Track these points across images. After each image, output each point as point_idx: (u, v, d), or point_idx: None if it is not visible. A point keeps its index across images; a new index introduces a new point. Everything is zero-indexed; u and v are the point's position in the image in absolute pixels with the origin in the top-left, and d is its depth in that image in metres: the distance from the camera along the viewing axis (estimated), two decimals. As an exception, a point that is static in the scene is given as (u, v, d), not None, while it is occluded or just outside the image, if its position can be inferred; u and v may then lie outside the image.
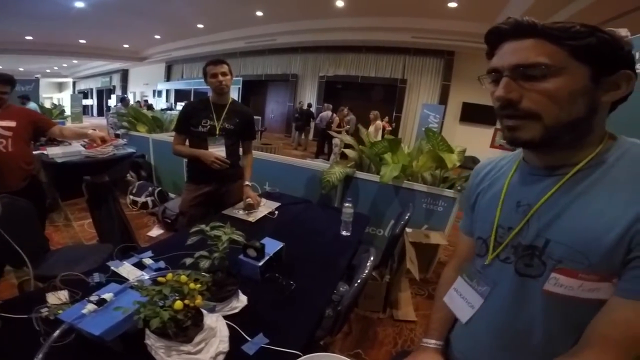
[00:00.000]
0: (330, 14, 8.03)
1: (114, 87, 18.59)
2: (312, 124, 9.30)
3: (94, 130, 1.93)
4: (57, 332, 0.74)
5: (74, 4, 7.71)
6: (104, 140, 1.88)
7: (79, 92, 19.95)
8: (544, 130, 0.52)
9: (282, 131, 11.86)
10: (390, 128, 8.08)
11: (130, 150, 2.28)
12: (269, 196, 2.14)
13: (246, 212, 1.76)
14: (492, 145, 9.02)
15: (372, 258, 1.22)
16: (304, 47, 10.43)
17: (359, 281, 1.14)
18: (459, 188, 2.42)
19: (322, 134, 7.86)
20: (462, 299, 0.73)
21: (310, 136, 9.57)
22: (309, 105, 9.62)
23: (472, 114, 8.97)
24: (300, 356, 0.81)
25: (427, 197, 2.47)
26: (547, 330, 0.58)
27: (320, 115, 8.34)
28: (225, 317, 0.93)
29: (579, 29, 0.48)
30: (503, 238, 0.64)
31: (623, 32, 0.56)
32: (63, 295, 0.93)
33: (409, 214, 1.86)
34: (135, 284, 0.73)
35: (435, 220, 2.51)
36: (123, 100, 8.73)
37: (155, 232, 3.05)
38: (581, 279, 0.52)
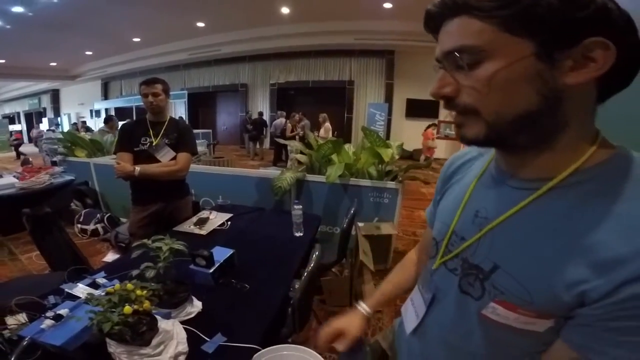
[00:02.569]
0: (275, 21, 8.14)
1: (44, 109, 17.03)
2: (267, 132, 9.30)
3: None
4: (20, 346, 0.79)
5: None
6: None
7: (4, 117, 17.92)
8: (487, 127, 0.43)
9: (236, 142, 11.74)
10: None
11: (69, 177, 2.21)
12: (220, 209, 2.19)
13: (198, 226, 1.81)
14: (438, 137, 9.72)
15: (317, 253, 1.36)
16: (252, 55, 10.44)
17: (305, 275, 1.27)
18: (399, 179, 2.65)
19: (277, 142, 7.95)
20: (413, 308, 0.67)
21: (266, 145, 9.58)
22: (260, 114, 9.63)
23: (417, 109, 9.57)
24: (259, 350, 0.88)
25: (373, 191, 2.66)
26: (482, 352, 0.53)
27: (274, 123, 8.42)
28: (182, 322, 1.00)
29: None
30: (454, 247, 0.56)
31: None
32: (21, 317, 0.96)
33: (353, 209, 2.03)
34: (87, 296, 0.79)
35: (383, 212, 2.70)
36: (109, 120, 6.18)
37: (111, 257, 2.93)
38: (519, 314, 0.45)
